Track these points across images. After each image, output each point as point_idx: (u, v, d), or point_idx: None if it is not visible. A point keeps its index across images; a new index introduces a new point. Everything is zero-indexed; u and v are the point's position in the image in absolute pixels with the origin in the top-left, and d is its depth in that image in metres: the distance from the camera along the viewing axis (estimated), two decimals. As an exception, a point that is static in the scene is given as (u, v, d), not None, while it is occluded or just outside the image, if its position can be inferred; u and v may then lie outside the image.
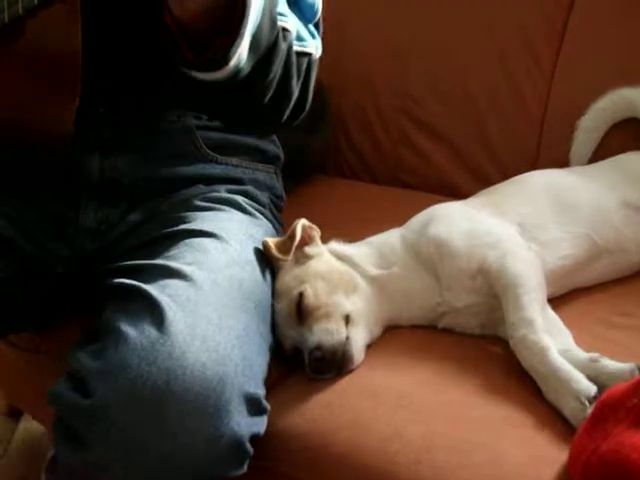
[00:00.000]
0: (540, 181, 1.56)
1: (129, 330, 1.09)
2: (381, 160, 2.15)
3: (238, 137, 1.52)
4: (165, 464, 1.05)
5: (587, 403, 1.09)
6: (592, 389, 1.10)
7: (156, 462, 1.05)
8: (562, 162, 1.77)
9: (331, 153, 2.21)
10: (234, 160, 1.51)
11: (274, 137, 1.65)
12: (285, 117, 1.34)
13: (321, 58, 1.40)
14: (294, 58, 1.28)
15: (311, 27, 1.39)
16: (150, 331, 1.09)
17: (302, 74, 1.32)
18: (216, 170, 1.47)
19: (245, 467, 1.13)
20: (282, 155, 1.66)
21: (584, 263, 1.44)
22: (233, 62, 1.09)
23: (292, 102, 1.31)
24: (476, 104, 1.99)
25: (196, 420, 1.05)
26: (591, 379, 1.13)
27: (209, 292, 1.18)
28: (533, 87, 1.92)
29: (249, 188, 1.51)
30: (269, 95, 1.25)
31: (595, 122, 1.78)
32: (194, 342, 1.09)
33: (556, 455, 1.05)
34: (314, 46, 1.36)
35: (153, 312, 1.11)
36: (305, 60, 1.34)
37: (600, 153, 1.76)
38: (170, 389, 1.04)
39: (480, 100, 1.98)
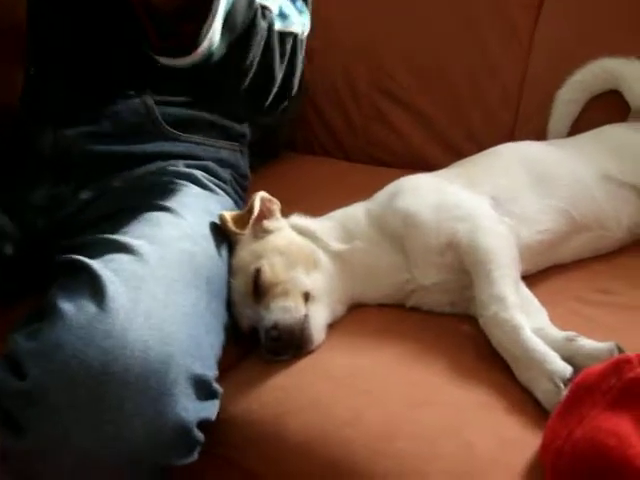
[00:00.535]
0: (516, 153, 1.49)
1: (66, 307, 1.02)
2: (353, 136, 2.07)
3: (201, 114, 1.45)
4: (104, 451, 0.97)
5: (562, 385, 1.01)
6: (567, 370, 1.03)
7: (94, 449, 0.97)
8: (539, 136, 1.70)
9: (301, 130, 2.14)
10: (197, 138, 1.44)
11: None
12: (268, 102, 1.26)
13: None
14: (276, 38, 1.19)
15: (299, 2, 1.30)
16: (88, 307, 1.01)
17: (286, 55, 1.24)
18: (177, 148, 1.40)
19: (195, 455, 1.06)
20: (248, 133, 1.59)
21: (561, 239, 1.36)
22: (204, 46, 1.02)
23: (276, 86, 1.24)
24: (451, 78, 1.91)
25: (137, 404, 0.97)
26: (567, 359, 1.05)
27: (156, 267, 1.10)
28: (509, 60, 1.85)
29: (209, 163, 1.43)
30: (248, 79, 1.17)
31: (573, 94, 1.71)
32: (136, 319, 1.01)
33: (529, 441, 0.97)
34: (300, 24, 1.27)
35: (94, 287, 1.03)
36: (289, 40, 1.25)
37: (578, 127, 1.69)
38: (108, 370, 0.96)
39: (455, 74, 1.91)
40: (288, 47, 1.24)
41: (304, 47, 1.29)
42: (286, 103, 1.33)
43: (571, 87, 1.70)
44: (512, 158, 1.46)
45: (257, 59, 1.16)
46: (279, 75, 1.23)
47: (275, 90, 1.25)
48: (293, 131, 2.12)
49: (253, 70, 1.17)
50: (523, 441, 0.98)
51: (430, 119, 1.95)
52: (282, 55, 1.23)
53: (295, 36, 1.25)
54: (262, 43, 1.15)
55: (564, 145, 1.55)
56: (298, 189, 1.68)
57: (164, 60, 1.06)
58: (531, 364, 1.06)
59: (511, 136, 1.80)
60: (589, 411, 0.85)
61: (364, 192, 1.42)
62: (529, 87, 1.82)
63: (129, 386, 0.97)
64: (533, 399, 1.04)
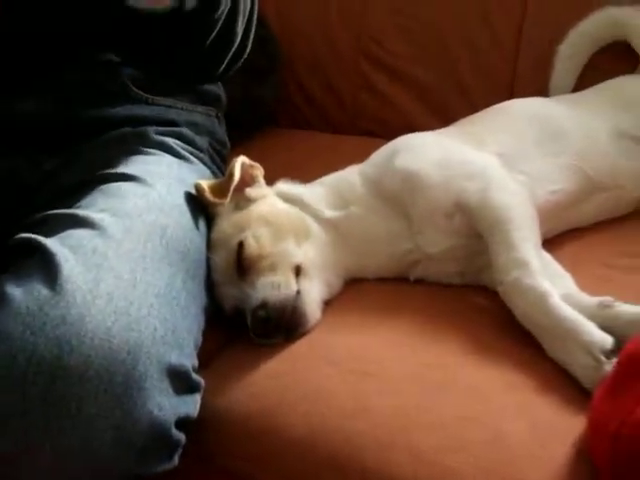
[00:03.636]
0: (523, 109, 1.39)
1: (14, 291, 0.87)
2: (339, 107, 1.96)
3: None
4: (64, 464, 0.82)
5: (603, 358, 0.89)
6: (607, 340, 0.90)
7: (50, 460, 0.82)
8: (541, 96, 1.56)
9: (283, 102, 2.02)
10: (168, 101, 1.32)
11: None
12: (224, 64, 1.18)
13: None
14: None
15: None
16: (39, 290, 0.86)
17: (247, 14, 1.16)
18: (145, 111, 1.28)
19: (175, 459, 0.92)
20: (224, 96, 1.47)
21: (577, 200, 1.26)
22: None
23: (234, 46, 1.15)
24: (442, 38, 1.80)
25: (101, 404, 0.82)
26: (603, 329, 0.93)
27: (121, 241, 0.96)
28: (506, 14, 1.73)
29: (184, 130, 1.32)
30: (212, 35, 1.08)
31: (577, 48, 1.60)
32: (97, 302, 0.86)
33: (568, 425, 0.85)
34: None
35: (47, 268, 0.89)
36: None
37: (583, 82, 1.58)
38: (63, 364, 0.81)
39: (447, 34, 1.79)
40: (248, 5, 1.16)
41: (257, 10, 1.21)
42: (234, 69, 1.25)
43: (574, 40, 1.59)
44: (519, 114, 1.37)
45: (225, 14, 1.08)
46: (240, 34, 1.15)
47: (233, 50, 1.17)
48: (274, 107, 2.01)
49: (218, 26, 1.08)
50: (561, 426, 0.86)
51: (423, 85, 1.84)
52: (244, 12, 1.15)
53: None
54: None
55: (573, 100, 1.46)
56: (282, 163, 1.57)
57: (133, 2, 0.96)
58: (564, 336, 0.93)
59: (510, 97, 1.67)
60: (651, 386, 0.70)
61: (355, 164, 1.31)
62: (527, 44, 1.71)
63: (90, 382, 0.81)
64: (568, 377, 0.92)
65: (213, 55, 1.16)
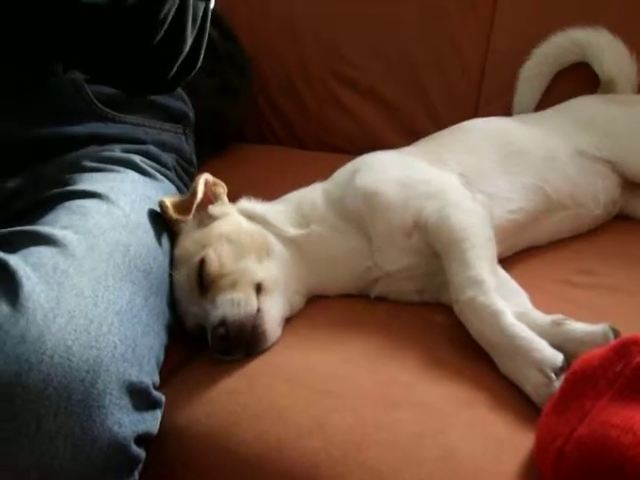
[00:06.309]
0: (484, 128, 1.40)
1: None
2: (307, 123, 1.99)
3: None
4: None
5: (553, 375, 0.90)
6: (558, 358, 0.92)
7: (9, 478, 0.81)
8: (504, 115, 1.60)
9: (252, 118, 2.04)
10: (134, 118, 1.32)
11: (183, 94, 1.47)
12: (173, 72, 1.17)
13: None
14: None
15: None
16: (0, 308, 0.85)
17: (198, 21, 1.15)
18: (112, 130, 1.28)
19: (135, 475, 0.92)
20: (192, 114, 1.48)
21: (536, 218, 1.28)
22: None
23: (183, 53, 1.14)
24: (411, 59, 1.83)
25: (60, 421, 0.82)
26: (555, 346, 0.94)
27: (83, 259, 0.96)
28: (470, 37, 1.77)
29: (150, 147, 1.32)
30: (158, 37, 1.07)
31: (539, 68, 1.63)
32: (57, 320, 0.86)
33: (520, 442, 0.86)
34: None
35: (8, 285, 0.89)
36: (202, 5, 1.16)
37: (546, 102, 1.61)
38: (22, 382, 0.81)
39: (415, 54, 1.83)
40: (200, 13, 1.16)
41: (209, 19, 1.21)
42: (186, 79, 1.25)
43: (536, 61, 1.63)
44: (480, 134, 1.38)
45: (171, 14, 1.07)
46: (189, 40, 1.14)
47: (182, 57, 1.16)
48: (243, 121, 2.02)
49: (165, 26, 1.07)
50: (512, 442, 0.86)
51: (389, 103, 1.87)
52: (194, 20, 1.14)
53: (207, 2, 1.17)
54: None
55: (533, 120, 1.48)
56: (249, 179, 1.57)
57: None
58: (516, 353, 0.94)
59: (475, 116, 1.71)
60: (593, 403, 0.72)
61: (321, 180, 1.32)
62: (491, 65, 1.75)
63: (49, 400, 0.82)
64: (520, 393, 0.93)
65: (161, 60, 1.15)
